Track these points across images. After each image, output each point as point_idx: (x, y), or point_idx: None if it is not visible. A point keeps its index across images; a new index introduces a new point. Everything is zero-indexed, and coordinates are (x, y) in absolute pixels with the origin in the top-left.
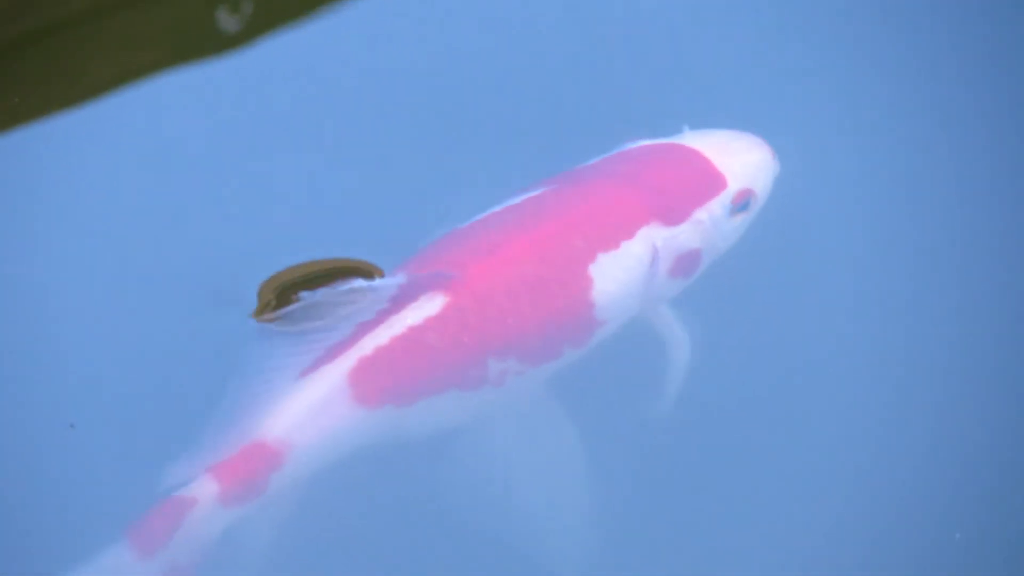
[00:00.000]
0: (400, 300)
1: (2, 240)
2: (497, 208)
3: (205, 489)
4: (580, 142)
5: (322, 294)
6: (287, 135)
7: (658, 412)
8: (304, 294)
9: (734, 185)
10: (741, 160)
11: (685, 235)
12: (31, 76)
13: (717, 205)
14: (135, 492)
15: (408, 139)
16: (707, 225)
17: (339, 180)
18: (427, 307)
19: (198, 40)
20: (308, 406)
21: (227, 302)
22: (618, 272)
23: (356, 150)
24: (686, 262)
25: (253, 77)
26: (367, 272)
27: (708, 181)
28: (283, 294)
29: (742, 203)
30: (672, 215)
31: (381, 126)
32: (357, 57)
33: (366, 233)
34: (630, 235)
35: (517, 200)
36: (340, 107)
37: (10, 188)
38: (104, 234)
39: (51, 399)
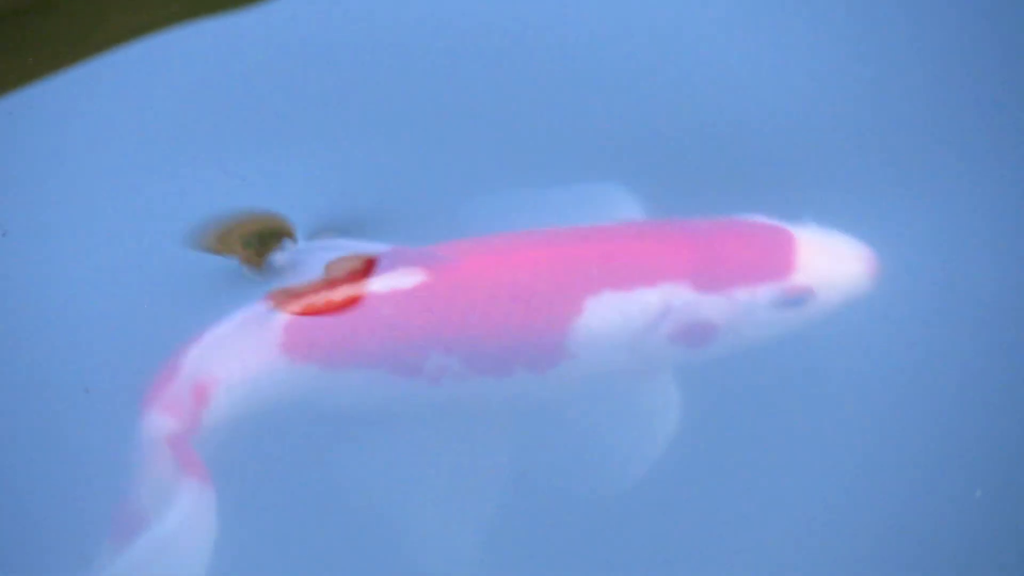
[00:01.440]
0: (380, 267)
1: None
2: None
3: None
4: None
5: (309, 246)
6: (305, 90)
7: (614, 488)
8: (293, 243)
9: (797, 279)
10: (826, 261)
11: (709, 306)
12: (44, 36)
13: (765, 291)
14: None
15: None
16: (741, 306)
17: (357, 139)
18: (400, 280)
19: None
20: (237, 346)
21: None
22: (613, 313)
23: (380, 110)
24: (696, 333)
25: (268, 32)
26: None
27: (770, 266)
28: (266, 241)
29: (795, 299)
30: (707, 282)
31: (412, 87)
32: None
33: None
34: (650, 284)
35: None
36: (360, 64)
37: (27, 146)
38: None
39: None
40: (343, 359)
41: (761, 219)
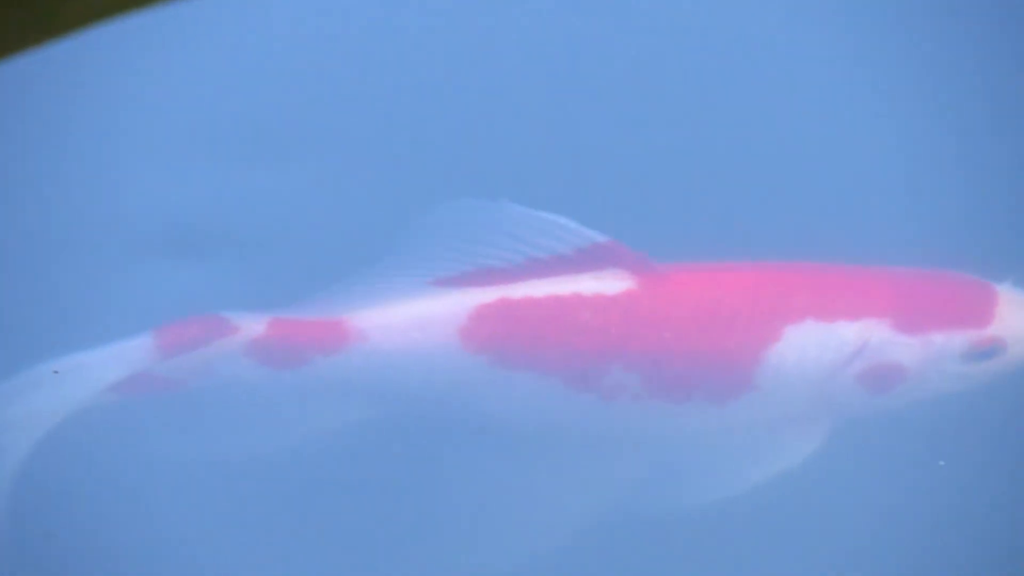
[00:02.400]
0: (587, 260)
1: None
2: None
3: (252, 328)
4: None
5: (524, 214)
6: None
7: (680, 505)
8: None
9: (990, 331)
10: (1022, 318)
11: (904, 348)
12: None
13: (959, 338)
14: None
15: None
16: (934, 351)
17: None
18: (606, 284)
19: None
20: (410, 318)
21: None
22: (811, 343)
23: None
24: (884, 375)
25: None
26: None
27: (967, 314)
28: None
29: (985, 350)
30: (907, 324)
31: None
32: None
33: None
34: (852, 317)
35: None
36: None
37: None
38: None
39: None
40: (518, 358)
41: (963, 275)
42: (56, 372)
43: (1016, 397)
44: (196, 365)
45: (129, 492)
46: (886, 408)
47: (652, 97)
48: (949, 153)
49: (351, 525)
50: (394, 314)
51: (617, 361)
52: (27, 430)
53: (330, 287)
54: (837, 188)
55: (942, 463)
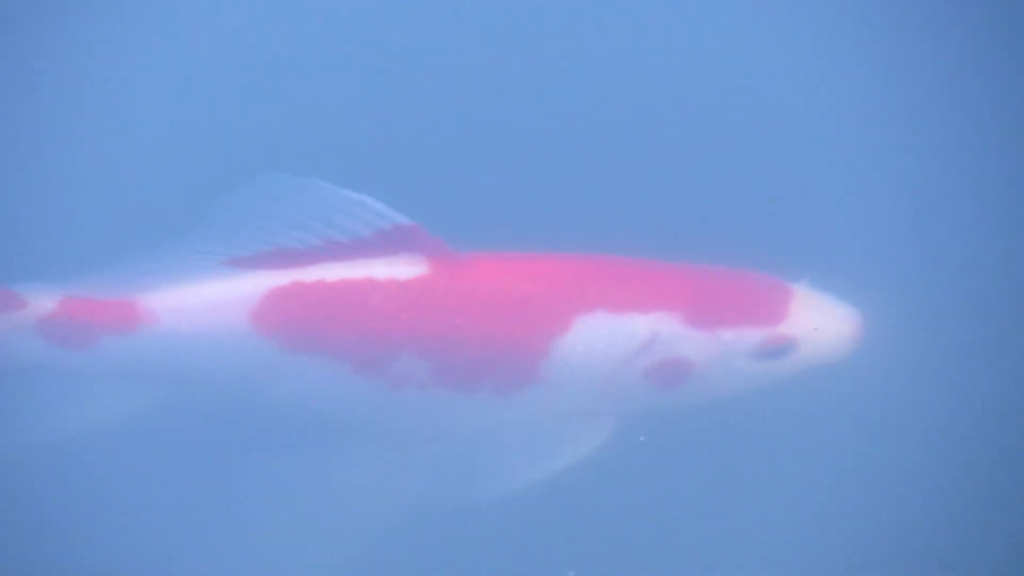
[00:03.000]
0: (386, 243)
1: None
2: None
3: (42, 304)
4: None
5: (331, 192)
6: None
7: (479, 499)
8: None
9: (781, 329)
10: (814, 318)
11: (692, 343)
12: None
13: (750, 336)
14: None
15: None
16: (723, 347)
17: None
18: (399, 268)
19: None
20: (202, 299)
21: None
22: (599, 337)
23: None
24: (672, 371)
25: None
26: None
27: (760, 313)
28: None
29: (776, 349)
30: (698, 319)
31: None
32: None
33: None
34: (644, 311)
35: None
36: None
37: None
38: None
39: None
40: (308, 342)
41: (760, 273)
42: None
43: (808, 396)
44: None
45: None
46: (675, 403)
47: (486, 85)
48: (753, 155)
49: (138, 519)
50: (186, 296)
51: (407, 347)
52: None
53: (125, 264)
54: (645, 185)
55: (642, 438)
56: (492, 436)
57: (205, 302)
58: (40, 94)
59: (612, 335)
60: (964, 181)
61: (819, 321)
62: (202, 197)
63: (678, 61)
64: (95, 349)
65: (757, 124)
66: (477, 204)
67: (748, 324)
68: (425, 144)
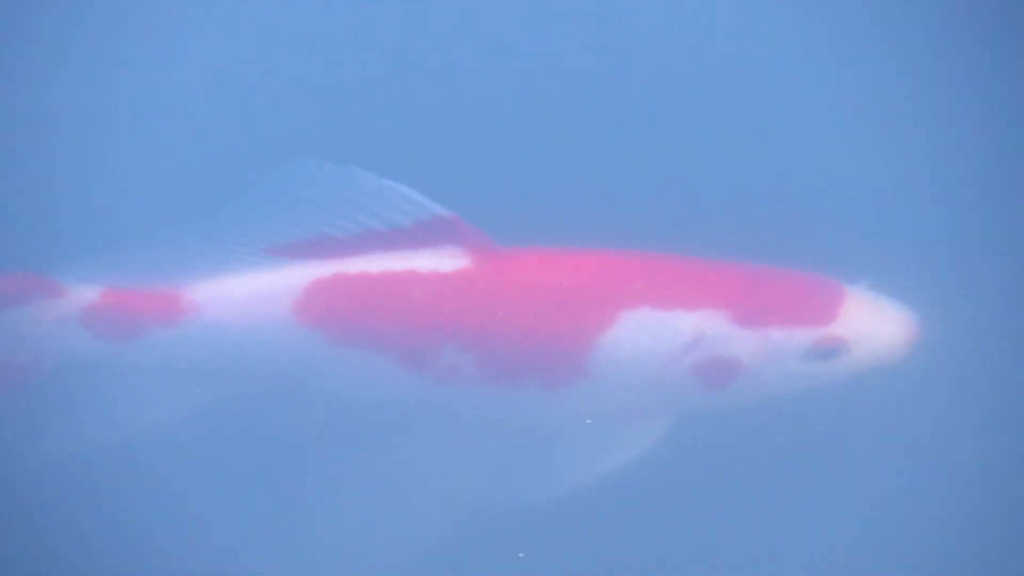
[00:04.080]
0: (426, 234)
1: None
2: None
3: (84, 295)
4: None
5: (369, 180)
6: None
7: (534, 500)
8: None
9: (833, 330)
10: (867, 319)
11: (741, 342)
12: None
13: (800, 336)
14: None
15: None
16: (772, 347)
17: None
18: (442, 260)
19: None
20: (246, 290)
21: None
22: (644, 334)
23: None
24: (719, 370)
25: None
26: None
27: (811, 313)
28: None
29: (826, 350)
30: (746, 317)
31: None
32: None
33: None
34: (689, 308)
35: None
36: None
37: None
38: None
39: None
40: (352, 334)
41: (814, 274)
42: None
43: (861, 399)
44: (28, 332)
45: None
46: (725, 403)
47: (532, 79)
48: (825, 159)
49: (205, 516)
50: (229, 286)
51: (450, 340)
52: None
53: (164, 252)
54: (706, 184)
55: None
56: (543, 434)
57: (248, 293)
58: (75, 79)
59: (658, 332)
60: None
61: (872, 323)
62: (236, 182)
63: (725, 57)
64: (141, 342)
65: (818, 125)
66: (519, 199)
67: (799, 324)
68: (466, 136)
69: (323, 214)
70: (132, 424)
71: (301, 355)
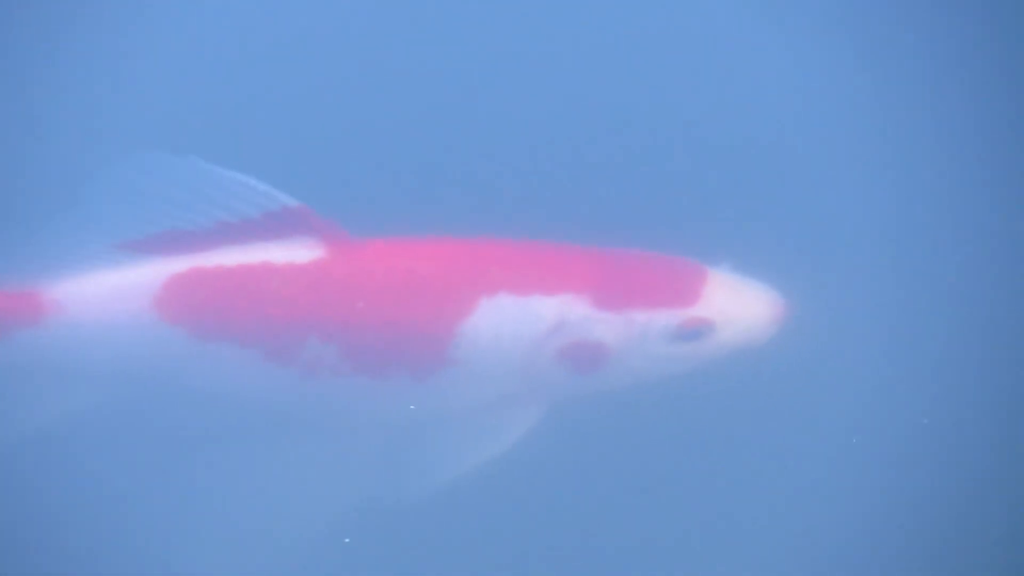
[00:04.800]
0: (277, 225)
1: None
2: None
3: None
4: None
5: (212, 171)
6: None
7: (413, 495)
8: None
9: (696, 311)
10: (730, 299)
11: (604, 326)
12: None
13: (662, 318)
14: None
15: None
16: (636, 331)
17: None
18: (295, 251)
19: None
20: (105, 288)
21: None
22: (506, 320)
23: None
24: (585, 355)
25: None
26: None
27: (674, 295)
28: None
29: (691, 331)
30: (607, 301)
31: None
32: None
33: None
34: (548, 292)
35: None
36: None
37: None
38: None
39: None
40: (216, 329)
41: (675, 257)
42: None
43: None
44: None
45: None
46: (598, 388)
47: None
48: (678, 140)
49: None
50: (89, 284)
51: (312, 333)
52: None
53: (21, 249)
54: (561, 166)
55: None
56: (418, 426)
57: (108, 291)
58: None
59: (518, 317)
60: (899, 172)
61: (736, 303)
62: (82, 177)
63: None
64: (5, 342)
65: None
66: (368, 190)
67: (661, 306)
68: (313, 127)
69: (170, 207)
70: (10, 427)
71: (166, 352)
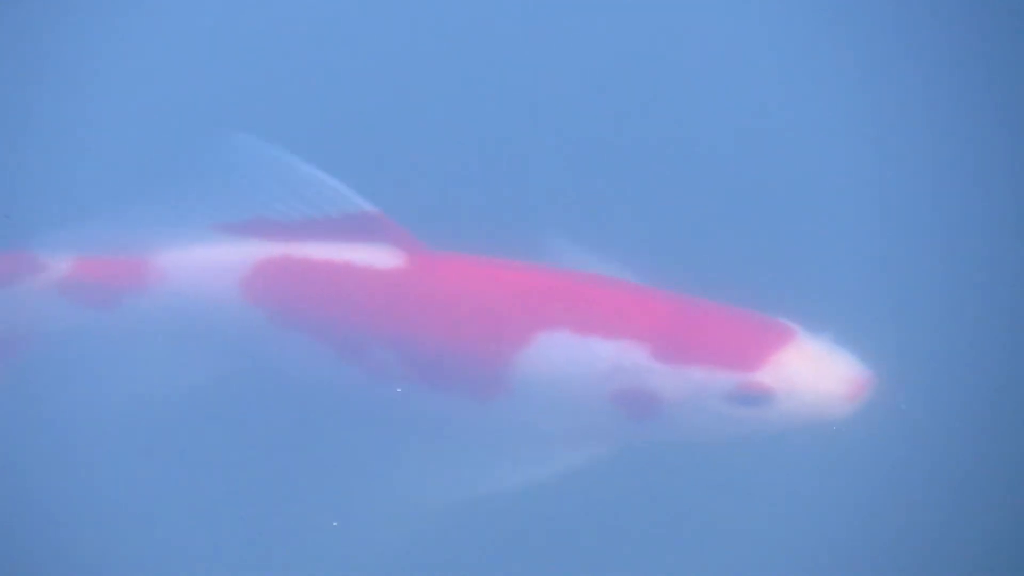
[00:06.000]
0: (359, 230)
1: None
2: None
3: (60, 266)
4: None
5: (297, 166)
6: None
7: (443, 501)
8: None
9: (757, 376)
10: (803, 369)
11: (659, 377)
12: None
13: (721, 378)
14: None
15: None
16: (691, 387)
17: None
18: (374, 256)
19: None
20: (200, 262)
21: None
22: (563, 356)
23: None
24: (638, 402)
25: None
26: None
27: (739, 356)
28: None
29: (749, 396)
30: (666, 352)
31: None
32: None
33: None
34: (612, 336)
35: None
36: None
37: None
38: None
39: None
40: (292, 317)
41: (762, 316)
42: None
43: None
44: (15, 307)
45: None
46: (652, 436)
47: (486, 84)
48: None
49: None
50: (187, 256)
51: (377, 336)
52: None
53: (128, 222)
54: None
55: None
56: (476, 441)
57: (203, 264)
58: (36, 56)
59: (575, 356)
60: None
61: (808, 375)
62: (183, 157)
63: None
64: (118, 308)
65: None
66: (456, 203)
67: (721, 365)
68: (406, 134)
69: (261, 196)
70: (120, 390)
71: (245, 332)
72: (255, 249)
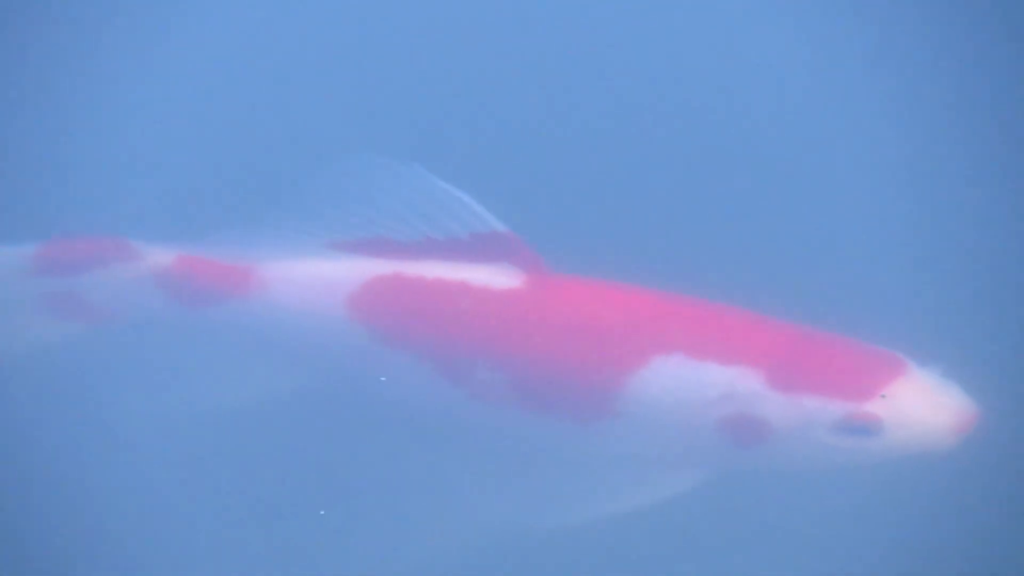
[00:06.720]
0: (482, 248)
1: None
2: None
3: (158, 259)
4: None
5: (430, 183)
6: None
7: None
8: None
9: (867, 407)
10: (914, 402)
11: (772, 405)
12: None
13: (832, 408)
14: None
15: None
16: (802, 415)
17: None
18: (493, 276)
19: None
20: (307, 276)
21: None
22: (675, 382)
23: None
24: (747, 429)
25: None
26: None
27: (850, 385)
28: None
29: (857, 426)
30: (781, 380)
31: None
32: None
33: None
34: (725, 362)
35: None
36: None
37: None
38: None
39: None
40: (396, 337)
41: (879, 347)
42: None
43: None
44: (106, 289)
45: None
46: (756, 464)
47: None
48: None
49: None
50: (294, 270)
51: (486, 357)
52: None
53: (231, 232)
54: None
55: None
56: (573, 465)
57: (309, 279)
58: (148, 61)
59: (688, 381)
60: None
61: (918, 407)
62: (304, 171)
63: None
64: (212, 309)
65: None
66: (582, 223)
67: (834, 395)
68: (537, 153)
69: (383, 214)
70: (211, 395)
71: (348, 348)
72: (367, 266)
